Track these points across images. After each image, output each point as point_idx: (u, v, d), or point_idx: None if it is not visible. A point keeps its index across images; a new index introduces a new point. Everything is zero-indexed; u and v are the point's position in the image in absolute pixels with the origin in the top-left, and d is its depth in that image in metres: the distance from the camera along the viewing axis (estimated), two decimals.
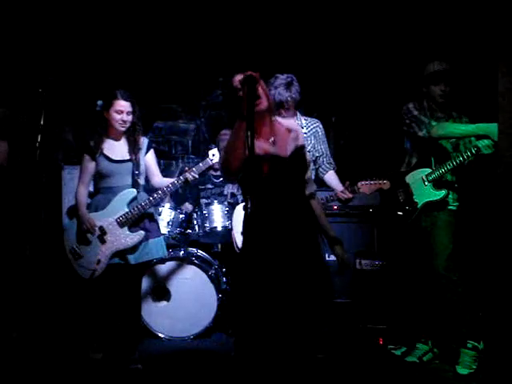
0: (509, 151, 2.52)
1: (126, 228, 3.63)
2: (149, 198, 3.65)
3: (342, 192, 3.88)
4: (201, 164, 3.73)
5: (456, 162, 3.71)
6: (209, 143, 5.40)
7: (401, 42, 5.10)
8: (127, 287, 3.72)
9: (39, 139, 3.85)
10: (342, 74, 5.52)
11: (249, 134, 2.49)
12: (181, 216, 4.78)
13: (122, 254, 3.63)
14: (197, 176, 3.67)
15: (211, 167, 5.18)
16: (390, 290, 4.51)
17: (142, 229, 3.66)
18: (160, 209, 4.70)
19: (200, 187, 5.23)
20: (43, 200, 3.99)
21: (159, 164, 6.20)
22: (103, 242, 3.64)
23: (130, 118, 3.65)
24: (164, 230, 4.66)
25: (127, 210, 3.63)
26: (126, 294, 3.72)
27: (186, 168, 3.69)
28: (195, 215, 4.83)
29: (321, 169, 4.03)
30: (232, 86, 2.77)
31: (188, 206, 5.08)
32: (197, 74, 5.86)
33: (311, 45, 5.46)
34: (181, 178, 3.65)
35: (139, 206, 3.63)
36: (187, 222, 4.86)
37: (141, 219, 3.67)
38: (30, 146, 3.93)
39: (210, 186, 5.25)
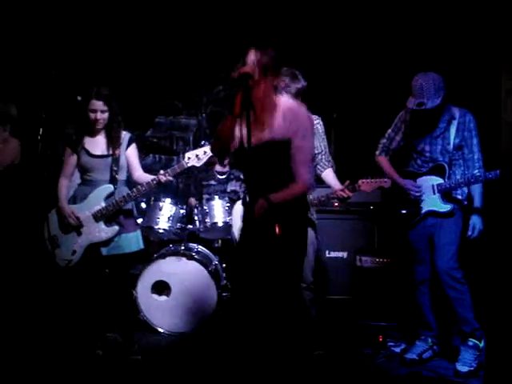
0: (510, 150, 2.52)
1: (101, 222, 3.72)
2: (124, 196, 3.71)
3: (341, 190, 3.84)
4: (176, 167, 3.77)
5: (468, 180, 3.70)
6: (210, 139, 5.40)
7: (404, 39, 5.10)
8: (106, 278, 3.81)
9: (41, 132, 3.87)
10: (343, 70, 5.51)
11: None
12: (181, 211, 4.78)
13: (97, 245, 3.73)
14: (171, 178, 3.71)
15: (212, 163, 5.21)
16: (390, 287, 4.52)
17: (117, 223, 3.73)
18: (161, 204, 4.71)
19: (203, 183, 5.23)
20: (44, 193, 4.00)
21: (160, 160, 6.30)
22: (79, 234, 3.74)
23: (104, 116, 3.70)
24: (165, 224, 4.67)
25: (104, 205, 3.72)
26: (111, 285, 3.80)
27: (162, 171, 3.69)
28: (196, 210, 4.84)
29: (319, 166, 3.94)
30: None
31: (192, 201, 5.09)
32: (198, 70, 5.85)
33: (313, 42, 5.45)
34: (155, 179, 3.68)
35: (114, 203, 3.70)
36: (188, 217, 4.86)
37: (116, 214, 3.74)
38: (32, 139, 3.95)
39: (213, 182, 5.24)
